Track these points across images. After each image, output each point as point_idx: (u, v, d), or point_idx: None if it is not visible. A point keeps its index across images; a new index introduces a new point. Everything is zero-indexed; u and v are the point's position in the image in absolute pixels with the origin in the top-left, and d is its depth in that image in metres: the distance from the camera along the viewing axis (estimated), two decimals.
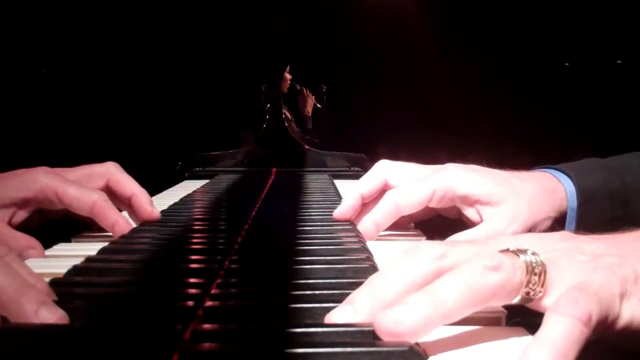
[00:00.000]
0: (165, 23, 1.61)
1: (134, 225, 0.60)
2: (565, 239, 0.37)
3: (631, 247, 0.36)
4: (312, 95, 1.88)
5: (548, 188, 0.60)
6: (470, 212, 0.60)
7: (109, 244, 0.54)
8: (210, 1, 1.65)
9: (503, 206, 0.58)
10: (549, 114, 1.75)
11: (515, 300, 0.33)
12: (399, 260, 0.35)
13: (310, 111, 1.90)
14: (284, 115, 1.35)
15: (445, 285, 0.32)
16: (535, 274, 0.33)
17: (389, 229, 0.63)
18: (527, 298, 0.33)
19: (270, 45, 1.41)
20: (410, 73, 1.85)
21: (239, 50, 1.62)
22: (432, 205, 0.60)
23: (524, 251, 0.33)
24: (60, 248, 0.57)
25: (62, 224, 0.62)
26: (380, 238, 0.61)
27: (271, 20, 1.42)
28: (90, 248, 0.52)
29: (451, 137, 1.68)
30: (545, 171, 0.63)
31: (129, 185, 0.63)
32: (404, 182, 0.62)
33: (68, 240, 0.60)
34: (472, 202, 0.59)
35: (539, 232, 0.58)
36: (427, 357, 0.30)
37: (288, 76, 1.57)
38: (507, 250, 0.34)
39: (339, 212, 0.64)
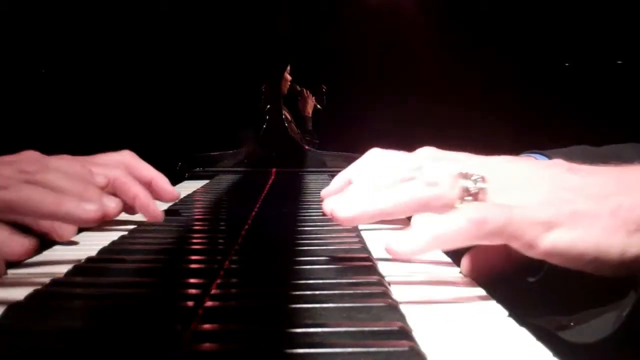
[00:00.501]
0: (165, 23, 1.61)
1: (153, 201, 0.61)
2: (545, 167, 0.43)
3: (599, 181, 0.40)
4: (313, 95, 1.89)
5: None
6: None
7: (110, 244, 0.54)
8: (210, 1, 1.65)
9: None
10: (548, 113, 1.75)
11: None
12: (383, 162, 0.50)
13: (310, 112, 1.90)
14: (284, 116, 1.35)
15: (397, 189, 0.43)
16: (470, 195, 0.41)
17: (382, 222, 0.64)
18: None
19: (270, 45, 1.41)
20: (410, 73, 1.85)
21: (239, 50, 1.62)
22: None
23: (470, 176, 0.42)
24: (60, 248, 0.57)
25: None
26: (376, 229, 0.63)
27: (271, 20, 1.41)
28: (90, 248, 0.52)
29: (451, 137, 1.68)
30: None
31: (147, 170, 0.65)
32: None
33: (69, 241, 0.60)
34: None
35: None
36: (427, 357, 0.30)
37: (288, 77, 1.57)
38: (460, 173, 0.42)
39: (326, 192, 0.66)
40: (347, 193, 0.45)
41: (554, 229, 0.38)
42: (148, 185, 0.64)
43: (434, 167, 0.44)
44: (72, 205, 0.42)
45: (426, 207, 0.42)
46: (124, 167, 0.62)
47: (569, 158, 0.62)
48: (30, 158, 0.50)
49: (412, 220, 0.48)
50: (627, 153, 0.64)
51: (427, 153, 0.64)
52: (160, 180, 0.65)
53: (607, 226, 0.38)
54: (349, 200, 0.43)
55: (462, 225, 0.38)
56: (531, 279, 0.44)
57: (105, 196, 0.45)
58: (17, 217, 0.45)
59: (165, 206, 0.75)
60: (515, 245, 0.39)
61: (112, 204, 0.44)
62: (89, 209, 0.42)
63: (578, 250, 0.38)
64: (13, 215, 0.43)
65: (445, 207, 0.41)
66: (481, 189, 0.41)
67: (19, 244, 0.43)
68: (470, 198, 0.41)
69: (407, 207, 0.42)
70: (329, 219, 0.67)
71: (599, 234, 0.38)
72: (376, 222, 0.46)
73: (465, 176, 0.42)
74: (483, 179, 0.41)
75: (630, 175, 0.40)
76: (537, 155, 0.64)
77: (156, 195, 0.65)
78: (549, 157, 0.62)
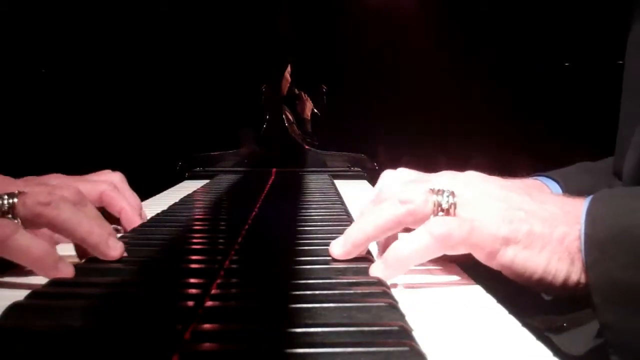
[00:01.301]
0: (165, 23, 1.61)
1: (139, 215, 0.64)
2: (505, 187, 0.47)
3: (548, 210, 0.44)
4: (310, 99, 1.89)
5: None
6: None
7: None
8: (211, 1, 1.65)
9: None
10: (548, 114, 1.75)
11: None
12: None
13: (309, 114, 1.90)
14: (284, 117, 1.35)
15: (368, 213, 0.47)
16: (442, 210, 0.44)
17: None
18: None
19: (270, 45, 1.41)
20: (410, 73, 1.85)
21: (239, 50, 1.62)
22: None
23: (442, 191, 0.44)
24: (60, 248, 0.57)
25: None
26: None
27: (271, 20, 1.41)
28: None
29: (451, 137, 1.68)
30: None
31: (129, 197, 0.66)
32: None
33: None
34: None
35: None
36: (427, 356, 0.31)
37: (289, 77, 1.57)
38: (431, 189, 0.45)
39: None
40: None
41: (511, 244, 0.43)
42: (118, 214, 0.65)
43: (406, 187, 0.48)
44: (101, 240, 0.47)
45: (402, 223, 0.45)
46: (112, 185, 0.64)
47: (571, 176, 0.65)
48: (59, 181, 0.56)
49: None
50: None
51: (399, 177, 0.66)
52: (138, 209, 0.66)
53: (555, 251, 0.42)
54: (342, 237, 0.47)
55: (427, 242, 0.42)
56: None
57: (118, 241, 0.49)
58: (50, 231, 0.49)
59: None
60: (477, 254, 0.44)
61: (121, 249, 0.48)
62: (114, 248, 0.47)
63: (530, 269, 0.42)
64: (49, 230, 0.47)
65: (420, 221, 0.44)
66: (452, 204, 0.44)
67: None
68: (442, 213, 0.44)
69: (386, 226, 0.45)
70: (329, 218, 0.67)
71: (549, 257, 0.42)
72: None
73: (437, 192, 0.44)
74: (453, 194, 0.44)
75: (575, 208, 0.43)
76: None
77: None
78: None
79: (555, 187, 0.63)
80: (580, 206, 0.43)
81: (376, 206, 0.48)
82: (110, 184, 0.63)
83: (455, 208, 0.44)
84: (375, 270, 0.43)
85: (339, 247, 0.47)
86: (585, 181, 0.63)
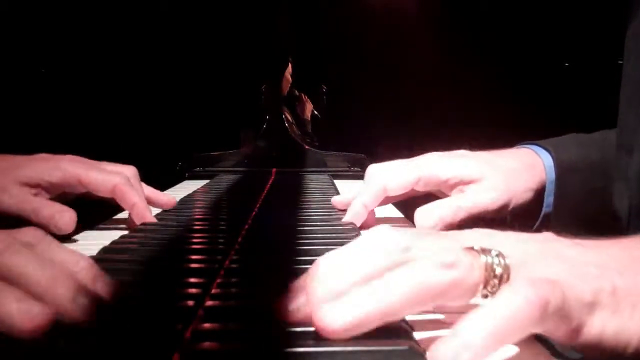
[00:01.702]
0: (165, 23, 1.61)
1: (150, 211, 0.64)
2: (547, 241, 0.36)
3: (615, 257, 0.34)
4: (310, 100, 1.89)
5: (527, 162, 0.64)
6: (455, 193, 0.64)
7: (110, 244, 0.54)
8: (211, 1, 1.65)
9: (483, 182, 0.62)
10: (548, 114, 1.75)
11: (474, 301, 0.32)
12: (362, 246, 0.35)
13: (309, 115, 1.90)
14: (284, 117, 1.35)
15: (392, 282, 0.31)
16: (495, 276, 0.31)
17: (382, 221, 0.66)
18: (487, 300, 0.31)
19: (270, 45, 1.41)
20: (410, 73, 1.85)
21: (239, 50, 1.62)
22: (418, 189, 0.65)
23: (488, 251, 0.32)
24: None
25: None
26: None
27: (271, 20, 1.41)
28: (90, 248, 0.52)
29: (451, 137, 1.68)
30: (526, 147, 0.66)
31: (144, 191, 0.67)
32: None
33: (70, 240, 0.60)
34: (455, 184, 0.64)
35: (519, 204, 0.63)
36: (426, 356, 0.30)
37: (289, 77, 1.57)
38: (471, 248, 0.32)
39: (338, 201, 0.70)
40: (331, 289, 0.32)
41: (597, 311, 0.31)
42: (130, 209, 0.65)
43: (434, 244, 0.34)
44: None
45: (443, 296, 0.31)
46: (126, 178, 0.64)
47: (563, 146, 0.64)
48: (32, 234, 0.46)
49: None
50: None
51: (388, 169, 0.66)
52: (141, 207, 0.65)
53: None
54: (339, 306, 0.31)
55: (525, 311, 0.28)
56: None
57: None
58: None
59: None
60: (558, 331, 0.31)
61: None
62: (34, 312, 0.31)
63: (623, 340, 0.32)
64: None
65: (464, 295, 0.32)
66: (505, 267, 0.32)
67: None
68: (495, 281, 0.31)
69: (420, 299, 0.31)
70: (329, 218, 0.67)
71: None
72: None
73: (485, 252, 0.32)
74: (502, 255, 0.32)
75: (636, 251, 0.35)
76: (532, 146, 0.66)
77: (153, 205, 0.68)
78: (542, 146, 0.65)
79: (547, 156, 0.64)
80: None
81: (385, 258, 0.32)
82: (124, 177, 0.62)
83: (509, 274, 0.32)
84: (449, 353, 0.27)
85: (341, 319, 0.30)
86: (577, 152, 0.64)
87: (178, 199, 0.83)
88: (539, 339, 0.33)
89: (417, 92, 1.82)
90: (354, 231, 0.60)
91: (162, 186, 1.03)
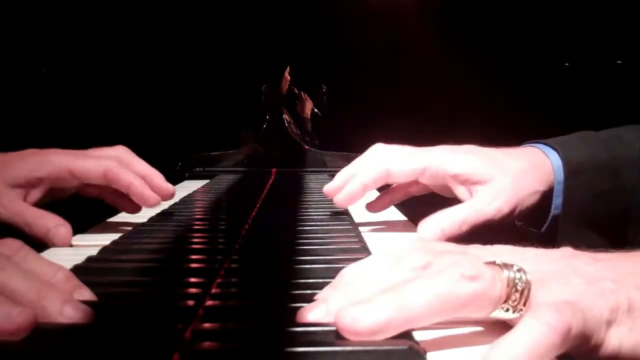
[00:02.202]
0: (165, 23, 1.61)
1: (149, 189, 0.61)
2: (564, 257, 0.36)
3: (632, 272, 0.34)
4: (311, 98, 1.89)
5: (535, 162, 0.62)
6: (460, 191, 0.62)
7: (110, 243, 0.54)
8: (211, 1, 1.65)
9: (490, 183, 0.60)
10: (548, 114, 1.74)
11: (494, 314, 0.32)
12: (385, 260, 0.35)
13: (309, 114, 1.90)
14: (283, 117, 1.35)
15: (415, 289, 0.31)
16: (517, 291, 0.32)
17: (382, 223, 0.65)
18: (508, 314, 0.32)
19: (270, 45, 1.41)
20: (410, 73, 1.85)
21: (239, 50, 1.62)
22: (423, 181, 0.63)
23: (510, 266, 0.32)
24: (60, 248, 0.57)
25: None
26: (376, 230, 0.63)
27: (271, 20, 1.41)
28: (90, 248, 0.52)
29: (451, 137, 1.68)
30: (534, 146, 0.65)
31: (140, 166, 0.63)
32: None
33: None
34: (462, 181, 0.62)
35: (525, 207, 0.61)
36: (426, 355, 0.30)
37: (288, 76, 1.57)
38: (493, 262, 0.33)
39: (330, 188, 0.65)
40: (349, 293, 0.33)
41: (613, 328, 0.32)
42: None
43: (454, 257, 0.34)
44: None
45: (464, 308, 0.31)
46: (117, 160, 0.61)
47: (571, 145, 0.62)
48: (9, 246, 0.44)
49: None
50: (628, 136, 0.64)
51: (393, 153, 0.63)
52: (155, 176, 0.63)
53: None
54: (361, 308, 0.31)
55: (548, 339, 0.29)
56: None
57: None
58: None
59: (165, 205, 0.75)
60: (578, 349, 0.31)
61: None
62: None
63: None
64: None
65: (485, 308, 0.32)
66: (527, 282, 0.32)
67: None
68: (516, 295, 0.32)
69: (442, 308, 0.31)
70: (329, 218, 0.67)
71: None
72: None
73: (507, 267, 0.32)
74: (524, 271, 0.32)
75: None
76: (539, 145, 0.64)
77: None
78: (550, 146, 0.63)
79: (555, 156, 0.62)
80: None
81: (410, 271, 0.33)
82: (114, 159, 0.60)
83: (530, 290, 0.32)
84: None
85: (366, 320, 0.30)
86: (585, 151, 0.62)
87: (178, 199, 0.83)
88: None
89: (417, 92, 1.82)
90: (355, 231, 0.60)
91: None
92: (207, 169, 1.29)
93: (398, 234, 0.64)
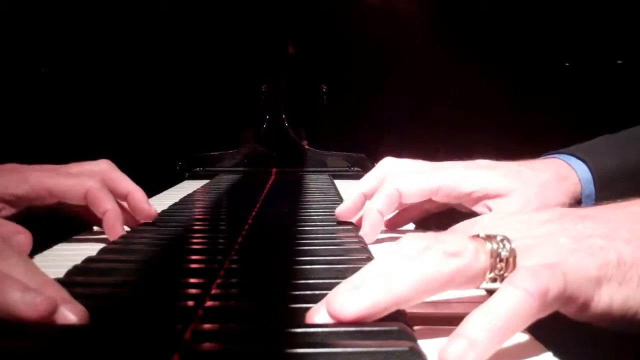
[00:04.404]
0: (165, 23, 1.60)
1: (122, 222, 0.59)
2: (552, 220, 0.36)
3: (621, 224, 0.35)
4: (310, 99, 1.87)
5: (558, 174, 0.59)
6: (478, 208, 0.59)
7: (110, 244, 0.54)
8: (211, 1, 1.65)
9: (512, 196, 0.57)
10: (549, 114, 1.74)
11: (483, 286, 0.33)
12: (382, 256, 0.35)
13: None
14: (284, 117, 1.35)
15: (401, 270, 0.32)
16: (501, 260, 0.32)
17: (388, 231, 0.63)
18: (496, 284, 0.32)
19: (270, 45, 1.41)
20: (410, 73, 1.85)
21: (239, 50, 1.62)
22: (437, 199, 0.60)
23: (493, 237, 0.33)
24: (60, 248, 0.57)
25: (61, 224, 0.62)
26: (379, 240, 0.61)
27: (271, 20, 1.41)
28: (90, 248, 0.52)
29: (451, 136, 1.68)
30: (557, 157, 0.61)
31: (124, 183, 0.62)
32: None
33: (68, 239, 0.60)
34: (478, 198, 0.59)
35: None
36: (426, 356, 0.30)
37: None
38: (477, 236, 0.33)
39: (340, 210, 0.64)
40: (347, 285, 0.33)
41: (604, 284, 0.32)
42: (124, 199, 0.61)
43: (446, 236, 0.35)
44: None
45: (450, 283, 0.32)
46: (99, 177, 0.59)
47: (598, 153, 0.58)
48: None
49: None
50: None
51: (403, 168, 0.60)
52: (137, 195, 0.61)
53: None
54: (348, 293, 0.32)
55: (526, 303, 0.29)
56: None
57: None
58: None
59: (165, 205, 0.75)
60: (567, 309, 0.32)
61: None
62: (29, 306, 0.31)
63: (632, 309, 0.33)
64: None
65: (472, 281, 0.33)
66: (511, 251, 0.33)
67: None
68: (502, 265, 0.32)
69: (427, 287, 0.32)
70: (329, 219, 0.67)
71: None
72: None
73: (488, 238, 0.33)
74: (507, 239, 0.33)
75: None
76: (560, 155, 0.61)
77: (132, 212, 0.62)
78: (575, 155, 0.59)
79: (580, 166, 0.58)
80: None
81: (401, 258, 0.33)
82: (98, 177, 0.58)
83: (515, 257, 0.33)
84: (456, 353, 0.28)
85: (352, 305, 0.31)
86: (614, 158, 0.58)
87: (178, 199, 0.83)
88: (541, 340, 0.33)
89: (417, 92, 1.82)
90: (355, 231, 0.60)
91: (162, 186, 1.03)
92: (207, 169, 1.29)
93: (398, 234, 0.64)
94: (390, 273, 0.32)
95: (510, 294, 0.30)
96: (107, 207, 0.57)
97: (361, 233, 0.59)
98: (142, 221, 0.62)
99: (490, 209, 0.59)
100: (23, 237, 0.51)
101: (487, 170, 0.60)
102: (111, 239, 0.58)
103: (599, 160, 0.58)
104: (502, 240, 0.33)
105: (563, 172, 0.59)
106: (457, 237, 0.34)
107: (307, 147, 1.34)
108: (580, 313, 0.32)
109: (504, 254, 0.33)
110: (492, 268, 0.32)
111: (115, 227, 0.58)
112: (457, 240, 0.33)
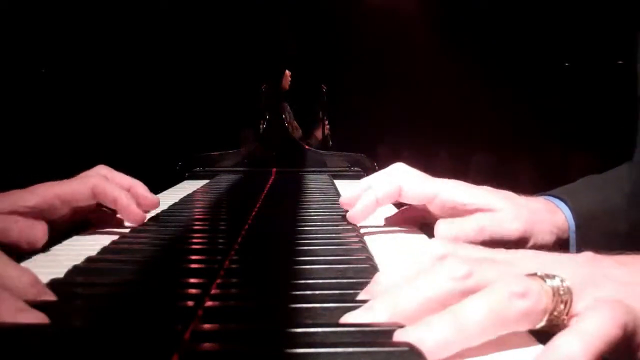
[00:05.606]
0: (165, 23, 1.61)
1: (134, 202, 0.61)
2: (589, 262, 0.37)
3: None
4: (328, 125, 1.86)
5: (549, 209, 0.62)
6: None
7: (110, 243, 0.54)
8: (211, 2, 1.65)
9: (503, 212, 0.60)
10: (549, 114, 1.74)
11: (539, 326, 0.33)
12: (421, 269, 0.35)
13: (320, 137, 1.88)
14: (287, 111, 1.35)
15: (470, 310, 0.31)
16: (562, 302, 0.32)
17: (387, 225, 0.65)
18: (551, 325, 0.32)
19: (271, 45, 1.41)
20: (410, 73, 1.85)
21: (239, 50, 1.62)
22: (432, 208, 0.63)
23: (552, 277, 0.33)
24: (60, 248, 0.57)
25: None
26: (377, 230, 0.63)
27: (271, 20, 1.41)
28: (90, 248, 0.52)
29: (451, 136, 1.68)
30: (547, 199, 0.64)
31: (124, 179, 0.64)
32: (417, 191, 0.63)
33: (67, 239, 0.60)
34: (472, 211, 0.61)
35: (540, 243, 0.60)
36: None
37: (288, 73, 1.57)
38: (535, 274, 0.33)
39: (345, 199, 0.66)
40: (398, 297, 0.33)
41: None
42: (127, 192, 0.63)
43: (495, 269, 0.35)
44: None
45: (514, 325, 0.32)
46: (101, 176, 0.62)
47: (579, 193, 0.62)
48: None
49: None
50: (630, 172, 0.64)
51: (414, 176, 0.63)
52: (139, 187, 0.65)
53: None
54: (420, 330, 0.31)
55: (612, 330, 0.30)
56: None
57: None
58: None
59: (165, 205, 0.75)
60: (626, 348, 0.31)
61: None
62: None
63: None
64: None
65: (533, 322, 0.32)
66: (569, 290, 0.33)
67: None
68: (562, 306, 0.32)
69: (494, 329, 0.31)
70: (329, 219, 0.67)
71: None
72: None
73: (549, 277, 0.33)
74: (563, 280, 0.33)
75: None
76: (550, 198, 0.64)
77: (136, 202, 0.64)
78: (558, 198, 0.62)
79: (564, 207, 0.62)
80: None
81: (462, 289, 0.33)
82: (99, 176, 0.61)
83: (572, 297, 0.33)
84: None
85: (424, 345, 0.30)
86: (593, 197, 0.62)
87: (178, 199, 0.83)
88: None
89: (417, 92, 1.82)
90: (355, 231, 0.60)
91: (162, 186, 1.03)
92: (207, 169, 1.28)
93: (398, 235, 0.64)
94: (461, 310, 0.31)
95: (599, 317, 0.30)
96: (115, 194, 0.60)
97: (351, 211, 0.63)
98: (148, 209, 0.65)
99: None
100: (38, 229, 0.53)
101: (485, 191, 0.63)
102: (130, 221, 0.61)
103: (578, 201, 0.61)
104: (561, 281, 0.33)
105: (551, 207, 0.62)
106: (515, 272, 0.34)
107: (307, 147, 1.34)
108: (632, 353, 0.32)
109: (564, 295, 0.32)
110: (554, 309, 0.32)
111: (130, 207, 0.60)
112: (521, 279, 0.32)
